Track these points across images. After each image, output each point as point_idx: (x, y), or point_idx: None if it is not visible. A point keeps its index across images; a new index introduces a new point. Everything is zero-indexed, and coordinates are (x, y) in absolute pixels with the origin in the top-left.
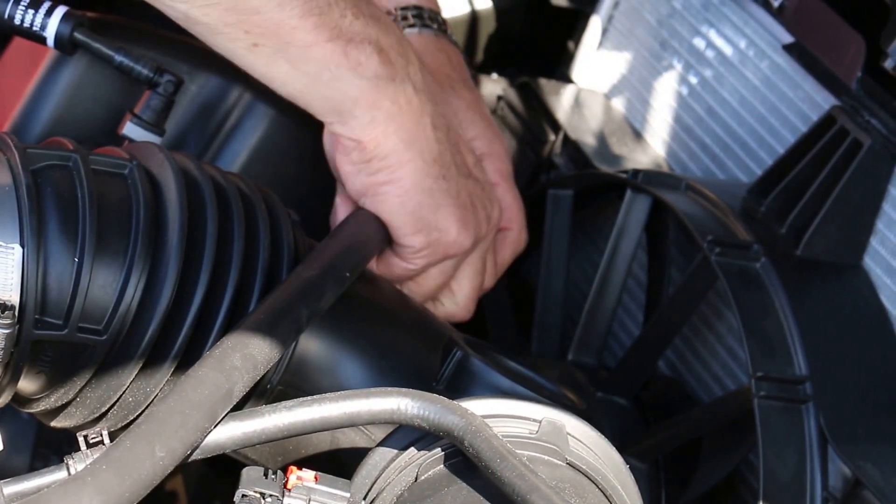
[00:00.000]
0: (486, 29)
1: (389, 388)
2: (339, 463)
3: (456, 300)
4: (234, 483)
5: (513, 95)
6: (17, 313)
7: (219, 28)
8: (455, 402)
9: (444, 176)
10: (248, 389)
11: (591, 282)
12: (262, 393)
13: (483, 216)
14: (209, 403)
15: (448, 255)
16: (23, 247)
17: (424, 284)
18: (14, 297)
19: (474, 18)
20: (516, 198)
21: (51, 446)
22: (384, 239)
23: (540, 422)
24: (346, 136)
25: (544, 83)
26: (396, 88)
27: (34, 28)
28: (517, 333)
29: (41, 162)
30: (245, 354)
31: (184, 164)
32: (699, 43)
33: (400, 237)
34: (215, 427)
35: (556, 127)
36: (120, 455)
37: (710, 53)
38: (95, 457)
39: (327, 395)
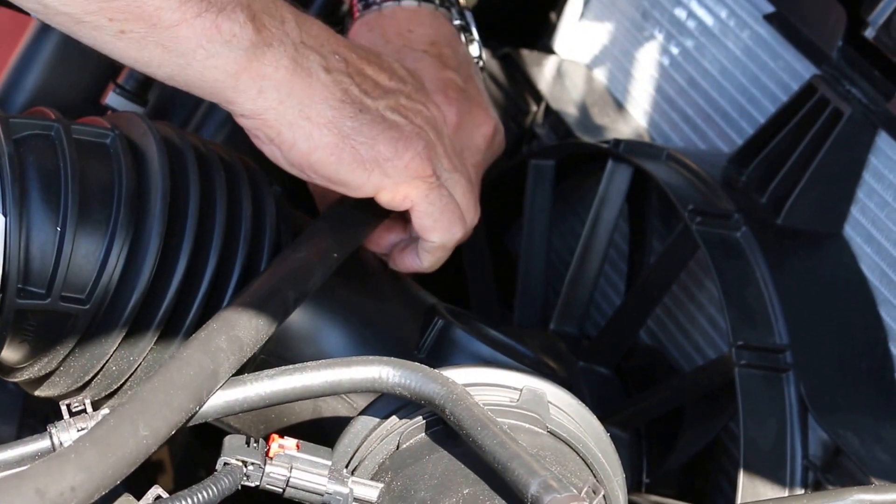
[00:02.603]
0: (469, 0)
1: (371, 357)
2: (322, 431)
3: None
4: (219, 452)
5: (495, 66)
6: None
7: (81, 17)
8: (436, 370)
9: (360, 110)
10: (233, 371)
11: (573, 252)
12: (245, 362)
13: (420, 120)
14: (194, 385)
15: (419, 174)
16: (5, 216)
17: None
18: None
19: None
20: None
21: (37, 416)
22: (377, 214)
23: (521, 390)
24: (245, 116)
25: (526, 54)
26: (275, 53)
27: None
28: (499, 304)
29: (23, 132)
30: (231, 336)
31: (166, 134)
32: (680, 13)
33: (359, 187)
34: (200, 408)
35: (537, 97)
36: (104, 433)
37: (691, 24)
38: (80, 434)
39: (309, 363)
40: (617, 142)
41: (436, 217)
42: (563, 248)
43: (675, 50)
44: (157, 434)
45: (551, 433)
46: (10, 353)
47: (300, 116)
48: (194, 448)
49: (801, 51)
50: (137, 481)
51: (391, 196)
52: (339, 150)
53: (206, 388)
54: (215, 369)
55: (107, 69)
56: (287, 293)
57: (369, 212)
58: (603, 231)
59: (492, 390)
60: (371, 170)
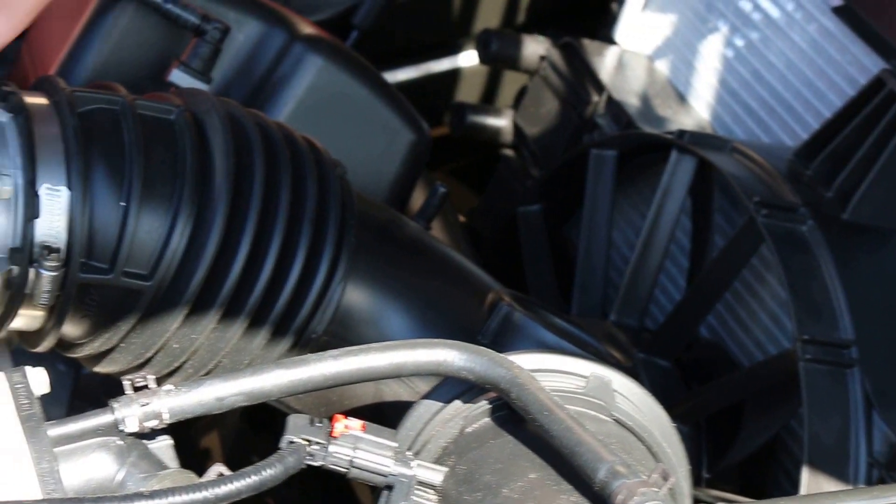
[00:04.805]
0: None
1: (436, 340)
2: (382, 415)
3: None
4: (271, 438)
5: (556, 56)
6: (63, 256)
7: None
8: (502, 355)
9: None
10: None
11: (631, 245)
12: (307, 343)
13: None
14: None
15: None
16: (69, 189)
17: None
18: (61, 241)
19: None
20: None
21: (86, 398)
22: None
23: (587, 377)
24: None
25: (587, 44)
26: None
27: None
28: (558, 294)
29: (88, 105)
30: None
31: (231, 111)
32: (745, 5)
33: None
34: (258, 375)
35: (599, 87)
36: None
37: (756, 16)
38: (143, 408)
39: (373, 345)
40: (682, 132)
41: None
42: (621, 240)
43: (739, 42)
44: None
45: (617, 421)
46: (72, 328)
47: None
48: (246, 434)
49: (870, 44)
50: (189, 467)
51: None
52: None
53: None
54: None
55: (169, 46)
56: None
57: None
58: (665, 223)
59: (557, 377)
60: None
